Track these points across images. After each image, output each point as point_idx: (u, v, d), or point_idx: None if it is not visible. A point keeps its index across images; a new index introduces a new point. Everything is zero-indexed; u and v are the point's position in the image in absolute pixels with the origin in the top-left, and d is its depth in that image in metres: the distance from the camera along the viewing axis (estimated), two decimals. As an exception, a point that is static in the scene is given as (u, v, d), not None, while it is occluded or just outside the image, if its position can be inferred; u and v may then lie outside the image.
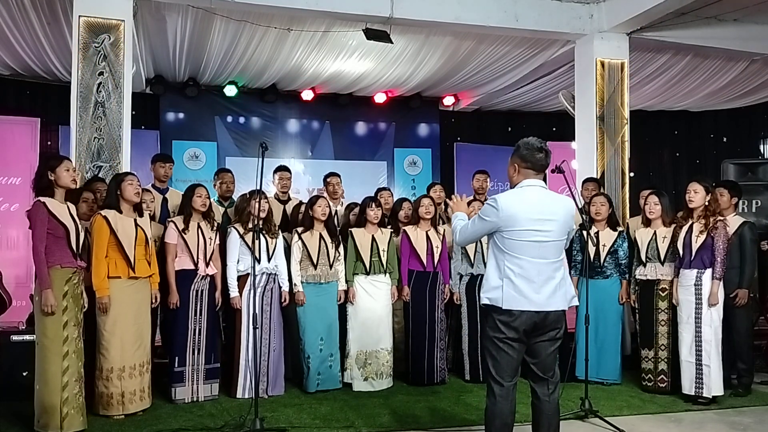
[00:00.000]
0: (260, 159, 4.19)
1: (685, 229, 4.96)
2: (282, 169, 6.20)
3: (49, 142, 7.84)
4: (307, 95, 8.64)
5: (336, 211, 5.96)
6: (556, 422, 3.26)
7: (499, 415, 3.17)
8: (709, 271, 4.82)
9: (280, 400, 4.95)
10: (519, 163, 3.25)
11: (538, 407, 3.27)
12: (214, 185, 6.06)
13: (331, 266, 5.19)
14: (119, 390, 4.37)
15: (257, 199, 4.59)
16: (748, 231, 5.23)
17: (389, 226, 5.58)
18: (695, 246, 4.86)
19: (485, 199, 5.63)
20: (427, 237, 5.41)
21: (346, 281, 5.29)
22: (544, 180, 3.34)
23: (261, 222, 4.81)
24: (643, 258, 5.25)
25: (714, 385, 4.82)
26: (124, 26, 5.40)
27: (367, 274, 5.27)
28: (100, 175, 5.22)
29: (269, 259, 5.02)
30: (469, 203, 5.83)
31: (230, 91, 8.39)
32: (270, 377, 5.00)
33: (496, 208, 3.15)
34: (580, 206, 5.16)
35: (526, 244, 3.13)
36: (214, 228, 5.02)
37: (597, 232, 5.48)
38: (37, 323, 4.02)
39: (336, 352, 5.23)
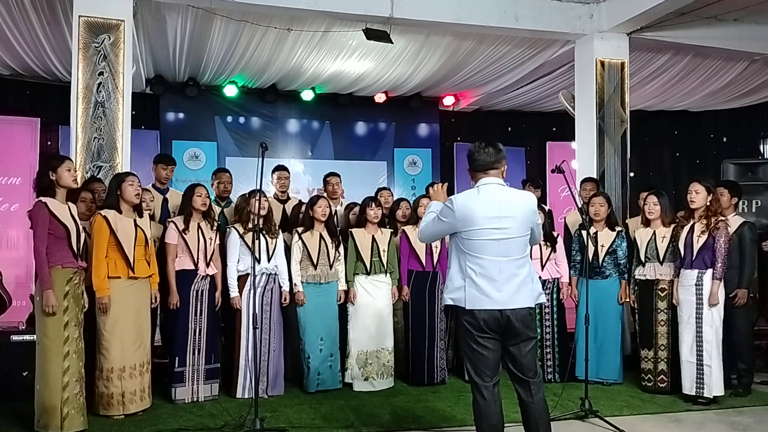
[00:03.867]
0: (260, 159, 4.19)
1: (686, 229, 4.96)
2: (280, 168, 6.20)
3: (49, 142, 7.84)
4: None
5: (336, 211, 5.96)
6: (545, 421, 3.24)
7: (486, 418, 3.18)
8: (710, 271, 4.82)
9: (280, 400, 4.95)
10: (469, 169, 3.35)
11: (524, 409, 3.26)
12: (212, 185, 6.06)
13: (331, 266, 5.19)
14: (119, 390, 4.37)
15: (257, 198, 4.59)
16: (748, 231, 5.23)
17: (388, 226, 5.58)
18: (697, 246, 4.86)
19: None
20: (427, 237, 5.40)
21: (347, 281, 5.29)
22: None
23: (261, 221, 4.81)
24: (642, 258, 5.25)
25: (714, 385, 4.81)
26: (124, 26, 5.40)
27: (368, 274, 5.27)
28: (99, 175, 5.22)
29: (269, 259, 5.02)
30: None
31: (230, 91, 8.38)
32: (270, 377, 5.00)
33: (451, 208, 3.18)
34: (579, 206, 5.18)
35: (486, 243, 3.14)
36: (214, 228, 5.02)
37: (596, 233, 5.48)
38: (38, 323, 4.02)
39: (336, 352, 5.23)
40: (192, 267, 4.84)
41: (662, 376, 5.16)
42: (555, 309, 5.51)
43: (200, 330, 4.86)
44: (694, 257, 4.87)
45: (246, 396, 4.86)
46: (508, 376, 3.32)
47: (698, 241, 4.85)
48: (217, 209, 5.67)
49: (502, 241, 3.14)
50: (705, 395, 4.82)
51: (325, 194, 6.01)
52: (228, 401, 4.87)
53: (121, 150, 5.37)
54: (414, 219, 5.51)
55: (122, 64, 5.40)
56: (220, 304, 5.03)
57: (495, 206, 3.17)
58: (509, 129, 9.65)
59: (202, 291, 4.89)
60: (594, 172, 6.59)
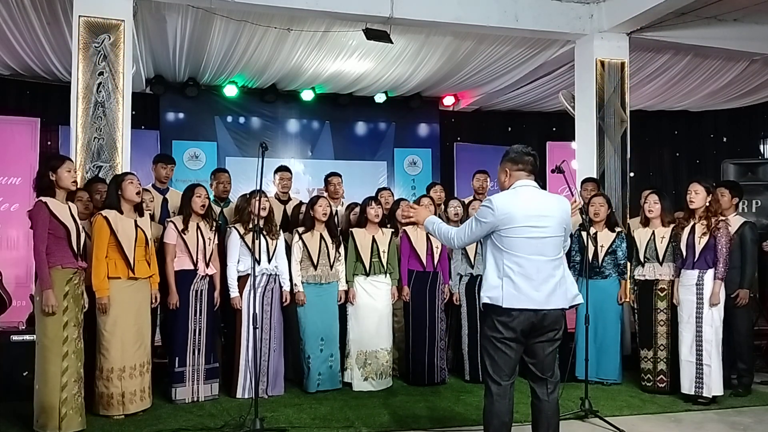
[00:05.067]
0: (260, 159, 4.19)
1: (687, 230, 4.96)
2: (282, 169, 6.20)
3: (49, 142, 7.84)
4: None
5: (336, 211, 5.96)
6: (556, 422, 3.26)
7: (497, 415, 3.17)
8: (711, 271, 4.82)
9: (280, 400, 4.95)
10: (510, 167, 3.32)
11: (537, 407, 3.27)
12: (211, 185, 6.06)
13: (331, 266, 5.19)
14: (119, 390, 4.37)
15: (257, 198, 4.59)
16: (748, 231, 5.23)
17: (389, 226, 5.58)
18: (699, 247, 4.85)
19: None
20: (427, 237, 5.40)
21: (347, 281, 5.28)
22: (544, 179, 3.37)
23: (261, 222, 4.80)
24: (642, 258, 5.25)
25: (714, 385, 4.82)
26: (124, 26, 5.40)
27: (367, 274, 5.27)
28: (100, 175, 5.22)
29: (269, 260, 5.02)
30: (469, 203, 5.86)
31: (230, 91, 8.38)
32: (270, 377, 5.00)
33: (491, 208, 3.18)
34: (579, 206, 5.17)
35: (524, 241, 3.15)
36: (213, 228, 5.02)
37: (595, 233, 5.47)
38: (38, 323, 4.02)
39: (336, 352, 5.23)
40: (191, 267, 4.84)
41: (662, 376, 5.16)
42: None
43: (200, 330, 4.86)
44: (696, 258, 4.87)
45: (246, 396, 4.85)
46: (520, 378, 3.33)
47: (700, 242, 4.85)
48: (216, 209, 5.68)
49: (539, 239, 3.17)
50: (705, 395, 4.82)
51: (325, 194, 6.01)
52: (228, 401, 4.86)
53: (121, 150, 5.36)
54: (415, 219, 5.50)
55: (122, 64, 5.40)
56: (219, 304, 5.03)
57: (534, 206, 3.20)
58: (509, 129, 9.65)
59: (202, 291, 4.89)
60: (594, 172, 6.59)
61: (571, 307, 3.26)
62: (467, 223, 3.34)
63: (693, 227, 4.92)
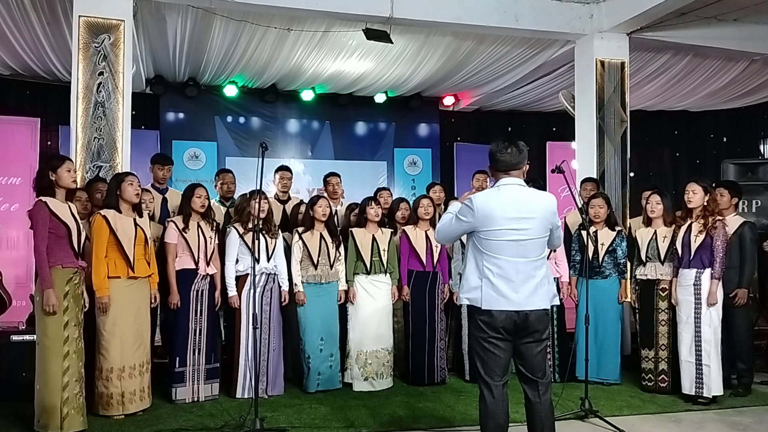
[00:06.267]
0: (260, 159, 4.19)
1: (683, 228, 4.97)
2: (283, 168, 6.21)
3: (49, 142, 7.85)
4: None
5: (336, 211, 5.96)
6: (551, 423, 3.24)
7: (493, 417, 3.16)
8: (708, 270, 4.82)
9: (280, 400, 4.95)
10: (490, 165, 3.31)
11: (530, 409, 3.25)
12: (215, 186, 6.07)
13: (331, 266, 5.19)
14: (119, 390, 4.37)
15: (257, 200, 4.59)
16: (748, 231, 5.23)
17: (387, 226, 5.58)
18: (694, 246, 4.86)
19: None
20: (427, 237, 5.41)
21: (347, 281, 5.29)
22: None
23: (261, 222, 4.80)
24: (644, 258, 5.25)
25: (714, 385, 4.82)
26: (124, 26, 5.41)
27: (368, 273, 5.27)
28: (100, 175, 5.22)
29: (269, 259, 5.02)
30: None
31: (230, 91, 8.39)
32: (270, 377, 5.00)
33: (471, 208, 3.15)
34: (579, 206, 5.18)
35: (504, 244, 3.12)
36: (214, 227, 5.02)
37: (595, 232, 5.48)
38: (38, 323, 4.02)
39: (336, 352, 5.23)
40: (192, 266, 4.83)
41: (663, 375, 5.17)
42: (555, 309, 5.50)
43: (200, 330, 4.86)
44: (692, 257, 4.88)
45: (246, 396, 4.85)
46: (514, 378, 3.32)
47: (696, 241, 4.86)
48: (222, 209, 5.69)
49: (521, 242, 3.13)
50: (704, 395, 4.82)
51: (325, 194, 6.01)
52: (228, 401, 4.87)
53: (121, 150, 5.37)
54: (414, 219, 5.51)
55: (122, 64, 5.40)
56: (220, 304, 5.04)
57: (515, 207, 3.14)
58: (509, 129, 9.65)
59: (202, 291, 4.89)
60: (594, 172, 6.59)
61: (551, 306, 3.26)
62: (450, 218, 3.31)
63: (690, 226, 4.93)
